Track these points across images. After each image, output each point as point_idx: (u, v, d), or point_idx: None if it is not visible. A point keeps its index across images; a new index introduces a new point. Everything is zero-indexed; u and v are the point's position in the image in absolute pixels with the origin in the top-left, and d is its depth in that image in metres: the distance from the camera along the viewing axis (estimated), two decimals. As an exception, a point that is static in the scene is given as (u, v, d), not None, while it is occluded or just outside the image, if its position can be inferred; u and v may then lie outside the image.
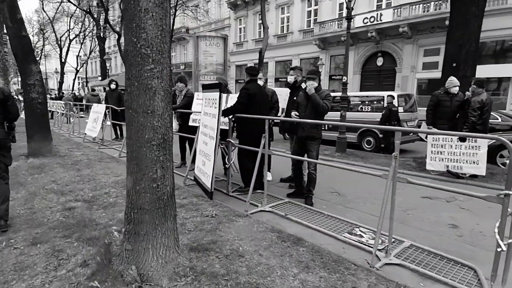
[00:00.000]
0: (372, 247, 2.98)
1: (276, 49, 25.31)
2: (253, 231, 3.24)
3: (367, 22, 19.91)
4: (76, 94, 24.98)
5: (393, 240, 3.22)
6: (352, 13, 21.62)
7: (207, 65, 12.91)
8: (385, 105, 9.54)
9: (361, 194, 4.81)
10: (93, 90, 11.21)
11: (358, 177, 5.60)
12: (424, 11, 17.77)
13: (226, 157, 4.82)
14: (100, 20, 24.19)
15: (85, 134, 9.60)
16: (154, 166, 2.31)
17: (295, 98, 4.94)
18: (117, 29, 21.39)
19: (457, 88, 5.77)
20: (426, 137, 6.04)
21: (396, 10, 18.81)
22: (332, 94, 7.25)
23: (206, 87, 4.98)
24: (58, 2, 28.14)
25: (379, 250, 2.95)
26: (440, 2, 17.21)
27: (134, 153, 2.30)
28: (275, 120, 6.22)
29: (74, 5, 23.91)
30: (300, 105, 4.40)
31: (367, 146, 10.26)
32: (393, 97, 9.48)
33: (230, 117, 4.63)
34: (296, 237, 3.07)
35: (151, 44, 2.18)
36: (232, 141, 4.56)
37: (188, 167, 5.20)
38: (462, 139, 5.36)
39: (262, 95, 4.87)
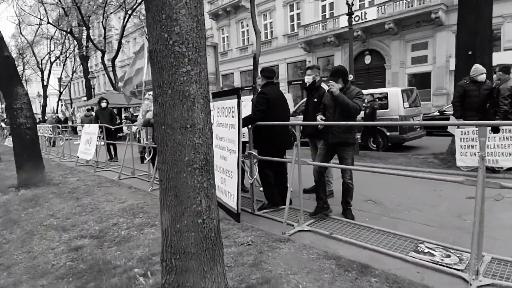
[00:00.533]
0: (451, 267, 2.52)
1: (261, 55, 25.11)
2: (305, 260, 2.73)
3: (352, 21, 19.86)
4: (60, 116, 23.97)
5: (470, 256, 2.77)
6: (336, 14, 21.91)
7: (199, 75, 12.37)
8: (367, 103, 9.34)
9: (400, 201, 4.35)
10: (88, 110, 10.48)
11: (387, 180, 5.20)
12: (407, 7, 17.84)
13: (248, 172, 4.31)
14: (82, 39, 23.48)
15: (78, 157, 8.92)
16: (198, 195, 1.79)
17: (315, 100, 4.49)
18: (101, 46, 20.73)
19: (484, 75, 5.42)
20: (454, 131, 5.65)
21: (380, 8, 18.89)
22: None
23: (217, 96, 4.49)
24: (37, 25, 27.29)
25: (461, 270, 2.48)
26: (422, -4, 17.31)
27: (171, 181, 1.78)
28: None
29: (54, 26, 23.10)
30: (328, 108, 3.88)
31: (373, 145, 9.91)
32: (373, 95, 9.33)
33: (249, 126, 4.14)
34: (359, 264, 2.57)
35: (186, 39, 1.69)
36: (254, 153, 4.06)
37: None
38: (495, 130, 4.99)
39: (280, 99, 4.41)
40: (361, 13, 19.45)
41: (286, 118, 4.55)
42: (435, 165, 6.30)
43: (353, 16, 19.45)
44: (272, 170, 4.26)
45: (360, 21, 19.42)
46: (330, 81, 3.73)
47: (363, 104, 9.31)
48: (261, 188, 4.70)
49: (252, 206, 4.13)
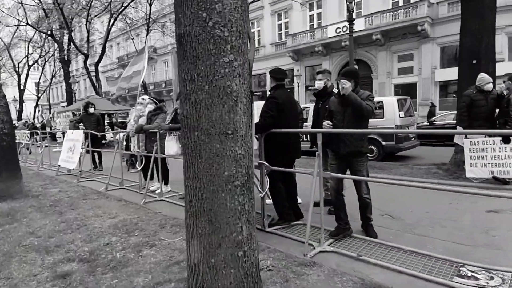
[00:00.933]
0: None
1: None
2: (340, 289, 2.36)
3: (340, 31, 20.30)
4: (36, 123, 22.55)
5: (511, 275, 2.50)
6: (323, 24, 22.13)
7: (190, 81, 11.95)
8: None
9: (419, 215, 4.07)
10: (74, 115, 9.48)
11: (398, 191, 4.94)
12: (394, 19, 18.20)
13: (257, 184, 3.92)
14: (63, 42, 22.55)
15: (59, 166, 8.25)
16: (238, 221, 1.41)
17: (327, 106, 4.18)
18: (83, 50, 19.94)
19: (491, 84, 5.32)
20: (462, 142, 5.49)
21: (367, 19, 19.21)
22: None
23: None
24: (15, 26, 26.07)
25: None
26: (409, 8, 17.71)
27: (205, 202, 1.38)
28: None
29: (34, 28, 22.07)
30: (335, 114, 3.49)
31: (369, 155, 9.72)
32: None
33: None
34: (405, 293, 2.23)
35: (230, 21, 1.32)
36: (265, 163, 3.68)
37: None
38: (506, 140, 4.84)
39: (291, 104, 4.07)
40: (349, 23, 19.68)
41: (297, 124, 4.22)
42: (441, 176, 6.11)
43: (341, 27, 19.95)
44: (283, 182, 3.90)
45: (348, 31, 19.61)
46: (342, 80, 3.41)
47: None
48: (268, 201, 4.32)
49: (262, 222, 3.73)
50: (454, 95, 18.12)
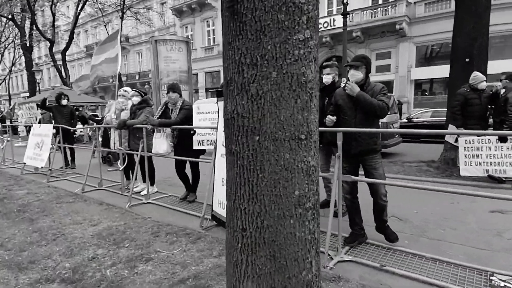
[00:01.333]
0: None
1: (204, 61, 25.48)
2: (377, 310, 2.09)
3: (321, 27, 20.21)
4: None
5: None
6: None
7: (169, 72, 11.37)
8: None
9: (425, 216, 3.92)
10: (38, 106, 8.04)
11: (394, 189, 4.76)
12: (373, 17, 18.43)
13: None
14: (25, 27, 20.78)
15: (24, 163, 7.44)
16: (308, 255, 1.06)
17: (332, 100, 3.88)
18: (49, 35, 18.47)
19: (485, 83, 5.31)
20: (455, 141, 5.46)
21: (348, 16, 19.18)
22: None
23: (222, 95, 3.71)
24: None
25: None
26: (388, 7, 17.97)
27: (266, 231, 1.02)
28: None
29: (-2, 13, 20.13)
30: (345, 109, 3.19)
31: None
32: None
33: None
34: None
35: (307, -17, 0.96)
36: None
37: (205, 202, 3.78)
38: (503, 139, 4.82)
39: None
40: (330, 19, 19.74)
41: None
42: (433, 174, 6.07)
43: (322, 23, 19.89)
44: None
45: (329, 27, 19.67)
46: (351, 70, 3.12)
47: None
48: None
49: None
50: (426, 93, 18.74)
